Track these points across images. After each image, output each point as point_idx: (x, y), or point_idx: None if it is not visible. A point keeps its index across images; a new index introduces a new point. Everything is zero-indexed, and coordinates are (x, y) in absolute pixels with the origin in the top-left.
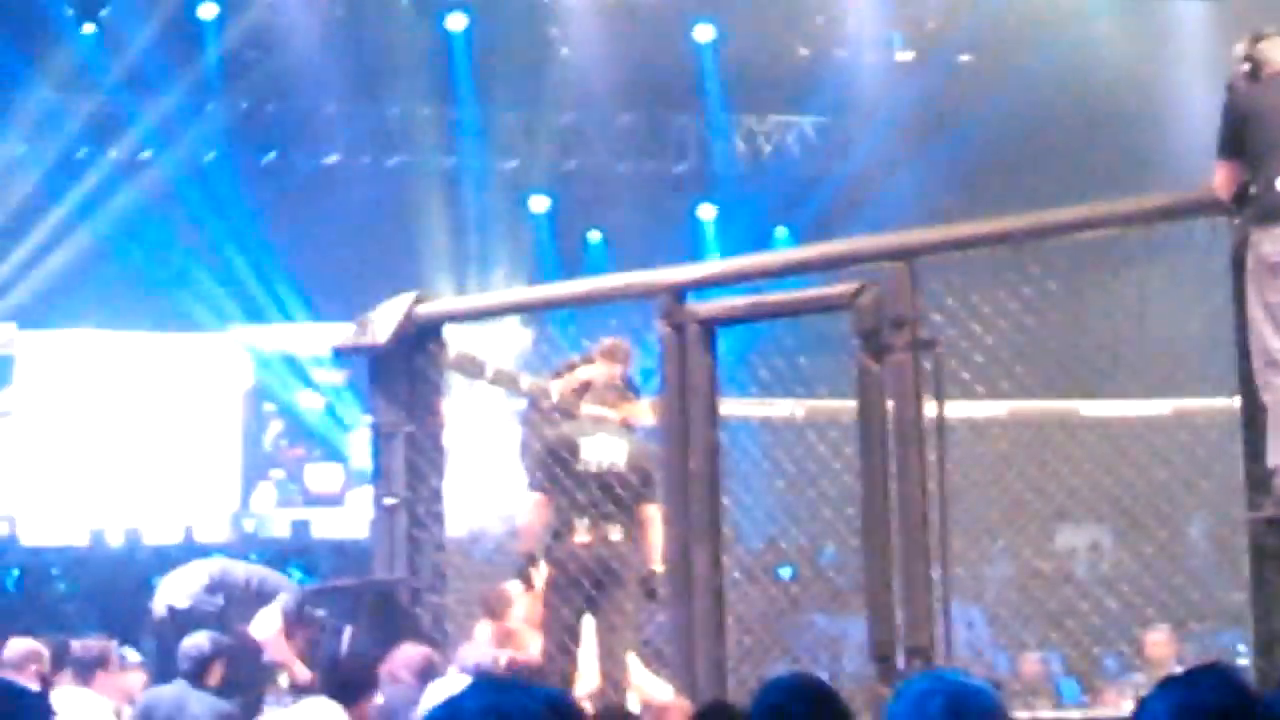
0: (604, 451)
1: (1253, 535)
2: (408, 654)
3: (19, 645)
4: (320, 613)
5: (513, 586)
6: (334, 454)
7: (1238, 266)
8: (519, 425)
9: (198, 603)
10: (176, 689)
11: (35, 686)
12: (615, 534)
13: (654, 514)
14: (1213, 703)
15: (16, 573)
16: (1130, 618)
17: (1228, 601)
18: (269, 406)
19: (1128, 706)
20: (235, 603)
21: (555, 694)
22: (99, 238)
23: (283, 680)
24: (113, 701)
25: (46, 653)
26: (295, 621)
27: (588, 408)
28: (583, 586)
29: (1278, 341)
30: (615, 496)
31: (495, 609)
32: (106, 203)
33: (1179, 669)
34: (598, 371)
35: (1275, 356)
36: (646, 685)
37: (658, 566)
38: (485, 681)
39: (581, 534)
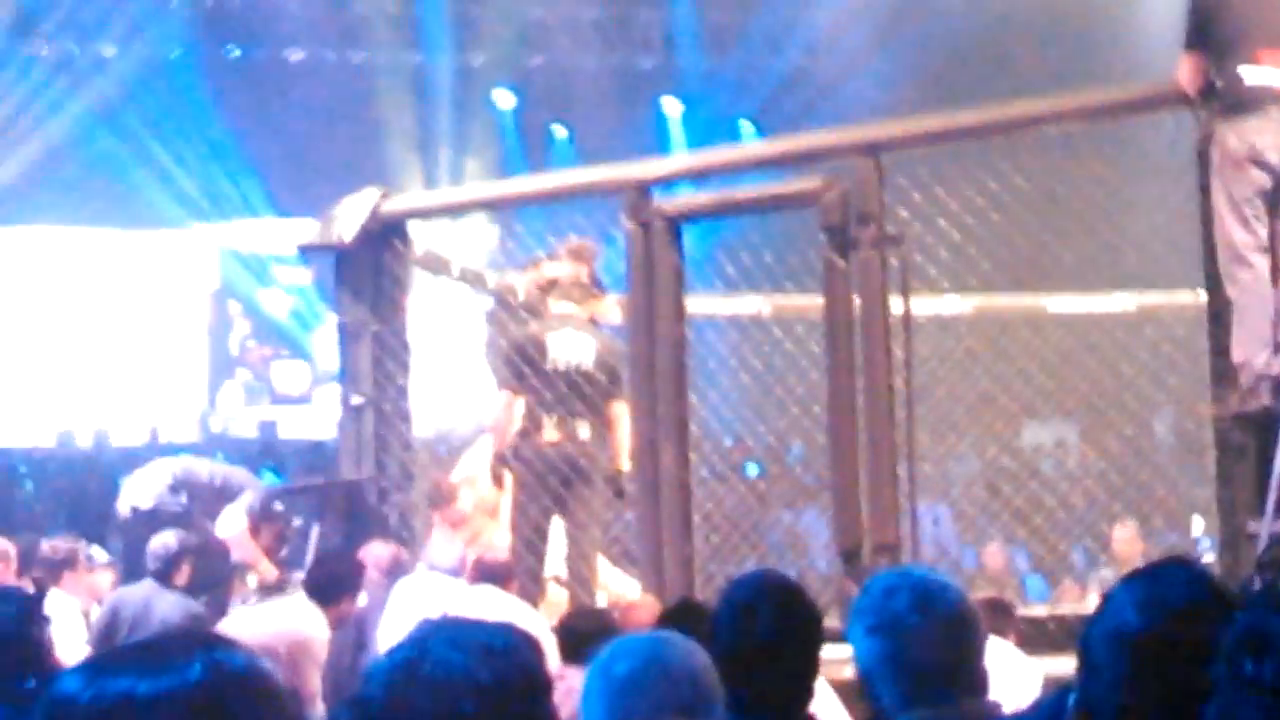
0: (571, 349)
1: (1218, 431)
2: (376, 552)
3: None
4: (286, 511)
5: (455, 475)
6: (300, 353)
7: (1202, 160)
8: (486, 323)
9: (162, 502)
10: (144, 588)
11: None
12: (583, 432)
13: (622, 412)
14: (1177, 597)
15: None
16: (1096, 514)
17: (1193, 497)
18: (235, 305)
19: (1093, 600)
20: (200, 501)
21: (509, 626)
22: (62, 135)
23: (250, 579)
24: (81, 601)
25: (14, 552)
26: (261, 520)
27: (555, 305)
28: (551, 485)
29: (1243, 235)
30: (583, 394)
31: (436, 500)
32: (71, 100)
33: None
34: (564, 270)
35: (1240, 250)
36: (615, 583)
37: (625, 465)
38: (437, 624)
39: (549, 432)
